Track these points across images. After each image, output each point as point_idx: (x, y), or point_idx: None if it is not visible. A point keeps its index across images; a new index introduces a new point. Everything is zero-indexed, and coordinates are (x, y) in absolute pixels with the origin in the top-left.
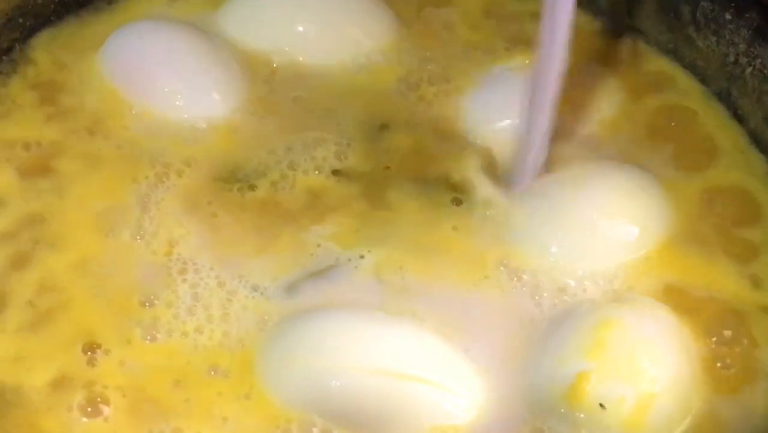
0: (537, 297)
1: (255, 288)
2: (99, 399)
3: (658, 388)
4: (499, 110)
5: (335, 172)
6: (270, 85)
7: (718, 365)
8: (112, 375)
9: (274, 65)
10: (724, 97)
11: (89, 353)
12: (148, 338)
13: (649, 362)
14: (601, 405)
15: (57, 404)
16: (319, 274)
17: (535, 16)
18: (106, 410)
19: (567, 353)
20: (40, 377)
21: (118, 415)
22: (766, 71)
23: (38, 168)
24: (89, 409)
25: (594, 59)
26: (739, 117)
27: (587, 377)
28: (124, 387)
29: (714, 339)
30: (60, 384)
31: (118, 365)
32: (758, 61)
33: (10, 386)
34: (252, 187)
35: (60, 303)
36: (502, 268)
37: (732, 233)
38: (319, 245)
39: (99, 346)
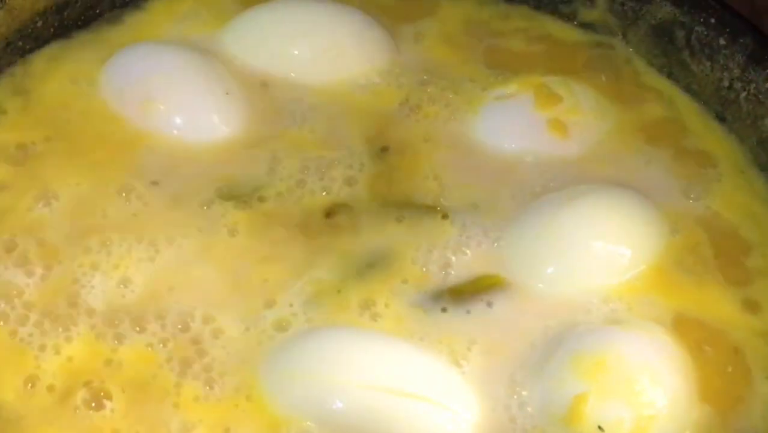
0: (534, 317)
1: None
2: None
3: (656, 410)
4: (503, 136)
5: (335, 194)
6: (270, 107)
7: (714, 386)
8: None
9: (274, 86)
10: (720, 119)
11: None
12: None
13: (648, 384)
14: (599, 428)
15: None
16: (316, 299)
17: (519, 32)
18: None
19: (565, 375)
20: None
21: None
22: (760, 96)
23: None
24: (93, 404)
25: (589, 77)
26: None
27: (585, 399)
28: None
29: (709, 361)
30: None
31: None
32: (752, 86)
33: None
34: (251, 206)
35: None
36: (499, 289)
37: (728, 256)
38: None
39: None
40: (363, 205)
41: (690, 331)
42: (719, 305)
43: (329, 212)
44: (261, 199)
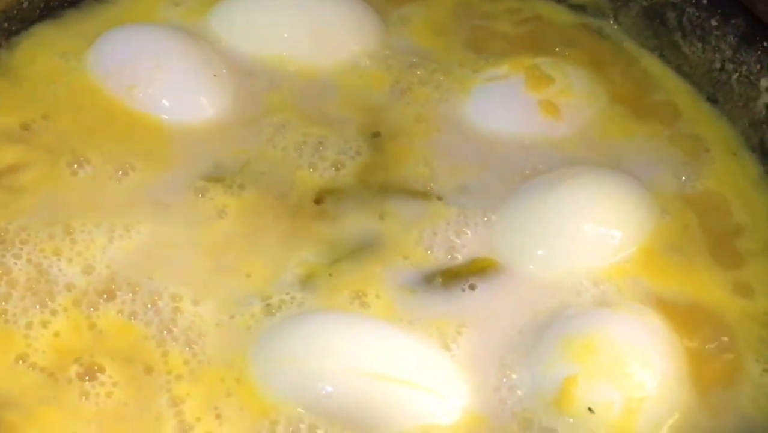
0: (524, 300)
1: (243, 291)
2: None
3: (645, 392)
4: (494, 118)
5: (325, 178)
6: (258, 90)
7: (704, 369)
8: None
9: (263, 69)
10: (712, 101)
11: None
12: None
13: (637, 366)
14: (589, 410)
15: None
16: (305, 283)
17: (509, 14)
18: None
19: (554, 358)
20: None
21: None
22: (752, 78)
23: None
24: (87, 377)
25: (579, 58)
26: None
27: (575, 382)
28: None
29: (699, 344)
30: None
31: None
32: (744, 67)
33: None
34: (239, 188)
35: None
36: (489, 272)
37: (719, 238)
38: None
39: None
40: (353, 190)
41: (680, 313)
42: (710, 288)
43: (319, 196)
44: (249, 182)
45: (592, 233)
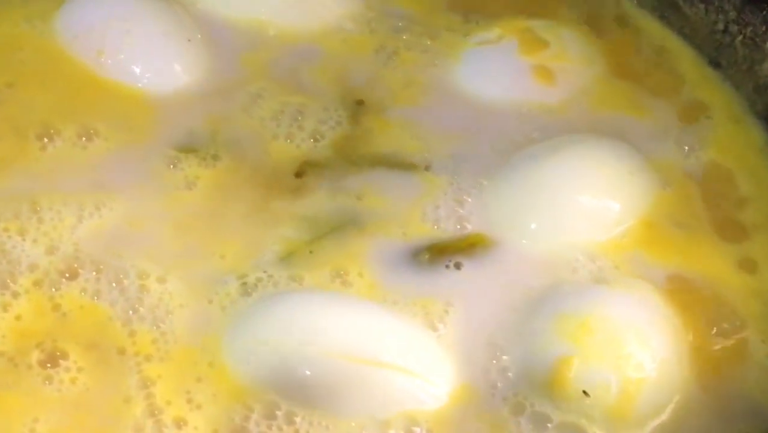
0: (516, 276)
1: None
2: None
3: (644, 374)
4: (485, 83)
5: (306, 148)
6: (235, 55)
7: (706, 349)
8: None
9: (240, 33)
10: (714, 65)
11: None
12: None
13: (636, 346)
14: (584, 393)
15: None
16: (284, 261)
17: None
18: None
19: (548, 337)
20: None
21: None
22: (757, 39)
23: None
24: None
25: (575, 22)
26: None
27: (569, 363)
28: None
29: (701, 321)
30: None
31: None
32: (749, 29)
33: None
34: (214, 158)
35: None
36: (479, 247)
37: (722, 210)
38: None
39: None
40: (335, 161)
41: (681, 290)
42: (713, 263)
43: (299, 168)
44: (223, 153)
45: (588, 205)
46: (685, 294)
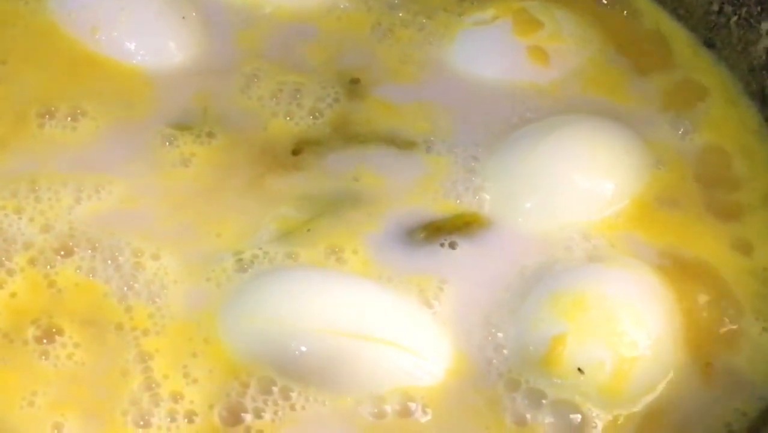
0: (511, 254)
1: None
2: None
3: (638, 352)
4: (480, 64)
5: (302, 126)
6: (230, 32)
7: (700, 327)
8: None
9: (234, 10)
10: (709, 45)
11: None
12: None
13: (630, 324)
14: (579, 370)
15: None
16: (280, 239)
17: None
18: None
19: (542, 315)
20: None
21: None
22: (752, 20)
23: None
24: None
25: (569, 2)
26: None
27: (564, 341)
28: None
29: (696, 301)
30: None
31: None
32: (744, 9)
33: None
34: (209, 137)
35: None
36: (474, 226)
37: (716, 190)
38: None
39: None
40: (331, 140)
41: (676, 269)
42: (707, 243)
43: (296, 146)
44: (219, 131)
45: (583, 184)
46: (679, 273)
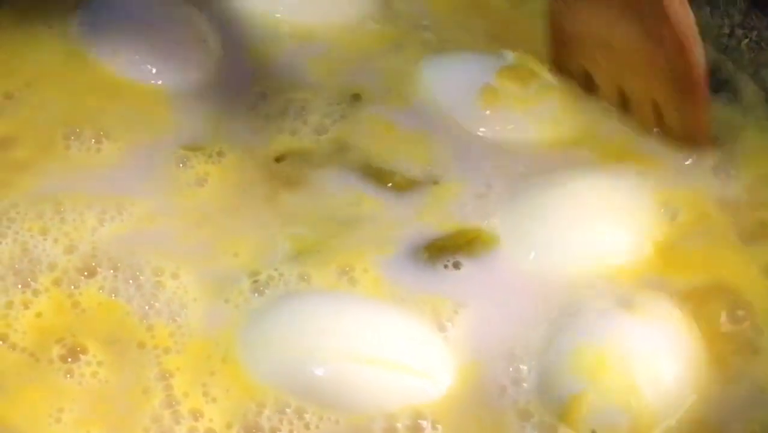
0: (534, 296)
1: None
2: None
3: (656, 417)
4: None
5: (307, 141)
6: (246, 52)
7: (723, 348)
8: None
9: (253, 31)
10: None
11: None
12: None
13: (651, 388)
14: (593, 432)
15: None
16: (293, 259)
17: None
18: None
19: (564, 366)
20: None
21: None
22: (763, 44)
23: None
24: (69, 359)
25: None
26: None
27: (583, 401)
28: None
29: (720, 324)
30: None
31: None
32: (755, 33)
33: None
34: (220, 154)
35: None
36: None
37: (743, 222)
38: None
39: None
40: (332, 160)
41: (699, 296)
42: (735, 271)
43: (302, 168)
44: (229, 150)
45: (603, 230)
46: (703, 299)
